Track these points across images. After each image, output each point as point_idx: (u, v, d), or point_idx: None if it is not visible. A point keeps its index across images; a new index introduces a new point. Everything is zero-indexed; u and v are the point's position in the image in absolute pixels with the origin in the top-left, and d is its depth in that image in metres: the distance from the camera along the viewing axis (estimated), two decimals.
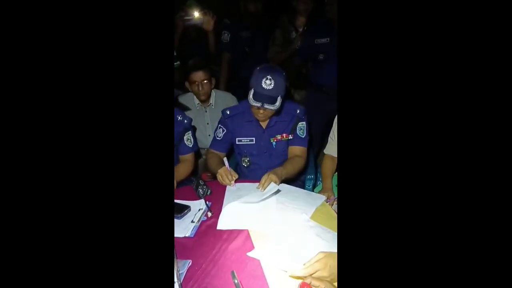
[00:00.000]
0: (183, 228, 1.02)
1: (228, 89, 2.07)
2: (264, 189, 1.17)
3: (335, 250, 0.80)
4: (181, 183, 1.41)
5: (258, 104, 1.25)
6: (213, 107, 1.80)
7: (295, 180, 1.49)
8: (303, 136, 1.45)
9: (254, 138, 1.45)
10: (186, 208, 1.11)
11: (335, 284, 0.73)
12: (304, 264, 0.75)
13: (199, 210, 1.12)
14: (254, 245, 0.94)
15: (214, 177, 1.35)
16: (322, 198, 1.18)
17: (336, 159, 1.44)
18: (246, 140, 1.46)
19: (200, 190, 1.21)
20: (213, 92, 1.80)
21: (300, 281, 0.72)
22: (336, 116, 1.43)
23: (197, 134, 1.77)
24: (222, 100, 1.82)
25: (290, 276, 0.78)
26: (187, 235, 0.99)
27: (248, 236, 0.98)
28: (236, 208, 1.09)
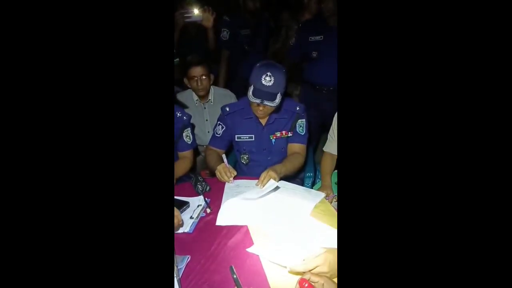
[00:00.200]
0: None
1: (226, 87, 2.06)
2: (263, 186, 1.17)
3: (335, 246, 0.80)
4: (180, 179, 1.40)
5: (258, 101, 1.25)
6: (212, 103, 1.80)
7: (294, 178, 1.49)
8: (303, 134, 1.45)
9: (253, 135, 1.44)
10: (185, 204, 1.11)
11: (335, 280, 0.73)
12: (303, 260, 0.75)
13: (198, 206, 1.11)
14: (253, 241, 0.93)
15: (212, 174, 1.35)
16: (321, 195, 1.18)
17: (335, 157, 1.44)
18: (245, 137, 1.46)
19: (199, 187, 1.21)
20: (212, 89, 1.79)
21: (299, 276, 0.72)
22: (336, 114, 1.43)
23: (196, 130, 1.77)
24: (221, 96, 1.81)
25: (289, 271, 0.78)
26: (186, 231, 0.99)
27: (247, 232, 0.98)
28: (235, 204, 1.09)
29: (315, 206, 1.09)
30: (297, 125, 1.44)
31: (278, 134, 1.43)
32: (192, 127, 1.58)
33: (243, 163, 1.49)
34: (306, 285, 0.68)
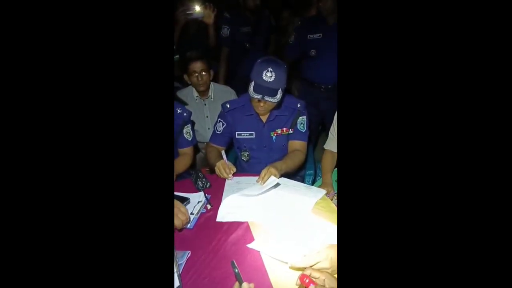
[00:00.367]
0: None
1: (226, 85, 2.06)
2: (264, 183, 1.17)
3: (335, 242, 0.80)
4: (180, 176, 1.40)
5: (259, 96, 1.24)
6: (212, 100, 1.80)
7: (295, 175, 1.48)
8: (304, 131, 1.44)
9: (254, 132, 1.44)
10: (185, 200, 1.10)
11: (336, 275, 0.72)
12: (304, 256, 0.75)
13: (198, 202, 1.11)
14: (254, 236, 0.93)
15: (213, 171, 1.34)
16: (322, 191, 1.17)
17: (336, 155, 1.44)
18: (245, 134, 1.45)
19: (200, 183, 1.20)
20: (212, 85, 1.79)
21: (300, 272, 0.72)
22: (336, 112, 1.42)
23: (197, 127, 1.76)
24: (221, 93, 1.81)
25: (290, 267, 0.77)
26: (186, 227, 0.98)
27: (248, 228, 0.97)
28: (236, 200, 1.08)
29: (316, 203, 1.09)
30: (298, 122, 1.43)
31: (278, 131, 1.43)
32: (193, 123, 1.57)
33: (243, 160, 1.49)
34: (307, 280, 0.68)
